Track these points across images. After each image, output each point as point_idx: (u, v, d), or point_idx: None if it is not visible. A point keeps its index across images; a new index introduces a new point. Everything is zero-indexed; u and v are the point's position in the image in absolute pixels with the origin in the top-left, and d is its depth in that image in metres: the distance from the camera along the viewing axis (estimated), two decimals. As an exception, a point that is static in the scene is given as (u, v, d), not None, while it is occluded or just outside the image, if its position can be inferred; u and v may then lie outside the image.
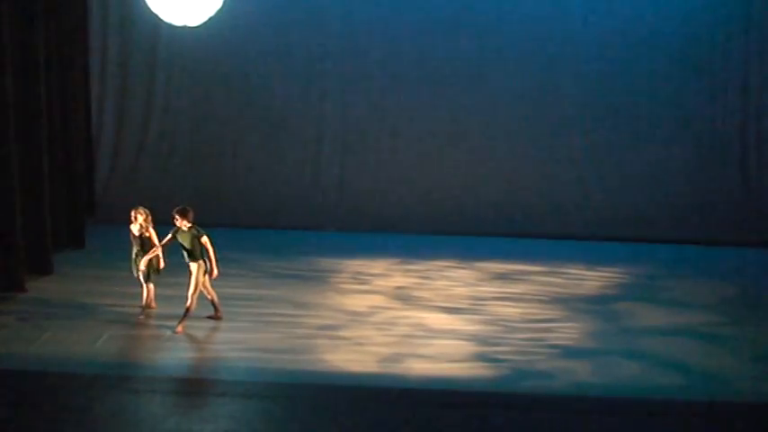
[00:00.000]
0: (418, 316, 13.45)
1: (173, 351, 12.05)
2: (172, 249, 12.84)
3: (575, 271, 15.91)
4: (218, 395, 10.64)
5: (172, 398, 10.71)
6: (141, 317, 12.86)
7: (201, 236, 12.39)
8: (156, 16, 12.59)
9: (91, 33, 18.28)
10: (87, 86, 17.65)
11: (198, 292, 12.43)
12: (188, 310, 12.38)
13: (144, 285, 12.89)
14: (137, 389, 10.73)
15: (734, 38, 18.83)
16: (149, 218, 12.85)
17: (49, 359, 11.44)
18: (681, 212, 18.64)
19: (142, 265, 12.78)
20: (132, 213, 12.85)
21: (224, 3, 12.56)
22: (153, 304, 13.06)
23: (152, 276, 12.92)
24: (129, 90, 19.28)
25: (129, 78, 19.25)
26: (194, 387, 11.04)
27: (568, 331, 12.95)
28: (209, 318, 12.87)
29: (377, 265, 16.02)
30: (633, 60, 18.90)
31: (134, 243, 12.90)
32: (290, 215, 18.63)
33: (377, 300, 14.19)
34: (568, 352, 12.15)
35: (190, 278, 12.41)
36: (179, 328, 12.36)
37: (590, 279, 15.50)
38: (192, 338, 12.42)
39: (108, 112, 19.21)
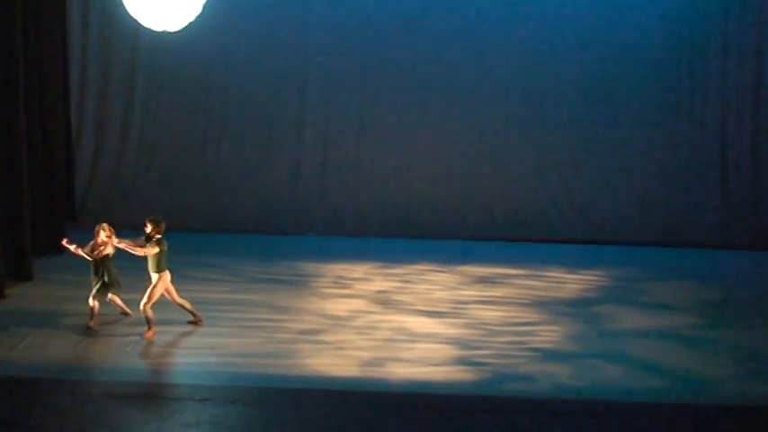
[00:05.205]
0: (399, 320, 13.46)
1: (154, 357, 12.04)
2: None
3: (555, 274, 15.94)
4: (200, 400, 10.62)
5: (153, 403, 10.68)
6: (91, 323, 12.74)
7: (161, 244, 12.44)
8: (136, 21, 12.56)
9: (70, 39, 18.19)
10: (67, 92, 17.57)
11: (152, 303, 12.42)
12: (147, 319, 12.43)
13: (95, 303, 12.77)
14: (117, 395, 10.71)
15: (712, 46, 18.89)
16: (113, 236, 12.77)
17: (29, 365, 11.41)
18: (661, 215, 18.69)
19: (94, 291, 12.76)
20: (96, 229, 12.82)
21: (203, 8, 12.55)
22: (128, 311, 13.05)
23: (113, 289, 12.86)
24: (109, 95, 19.20)
25: (109, 83, 19.16)
26: (175, 392, 11.02)
27: (549, 334, 12.98)
28: (190, 323, 12.86)
29: (358, 270, 16.02)
30: (614, 65, 18.90)
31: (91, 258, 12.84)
32: (271, 220, 18.58)
33: (358, 304, 14.18)
34: (549, 355, 12.19)
35: (147, 288, 12.44)
36: (149, 334, 12.40)
37: (571, 282, 15.53)
38: (173, 344, 12.41)
39: (88, 117, 19.11)
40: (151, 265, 12.45)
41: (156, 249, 12.38)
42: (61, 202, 16.79)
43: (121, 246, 12.56)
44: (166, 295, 12.63)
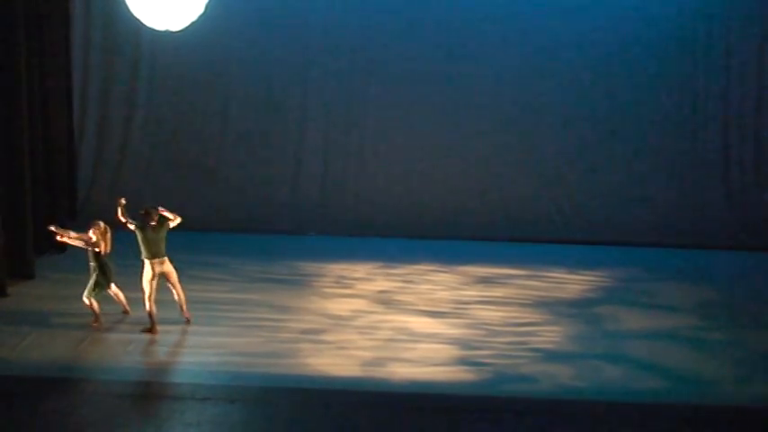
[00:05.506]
0: (401, 320, 13.46)
1: (155, 355, 12.04)
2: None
3: (557, 275, 15.93)
4: (201, 400, 10.62)
5: (153, 403, 10.69)
6: (95, 324, 12.76)
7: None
8: (139, 21, 12.56)
9: (73, 38, 18.20)
10: (69, 92, 17.58)
11: (148, 293, 12.45)
12: (150, 315, 12.48)
13: (92, 301, 12.77)
14: (118, 394, 10.71)
15: (715, 45, 18.91)
16: (108, 234, 12.77)
17: (30, 364, 11.41)
18: (662, 216, 18.69)
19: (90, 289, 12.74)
20: (91, 228, 12.80)
21: (206, 8, 12.55)
22: (128, 309, 13.05)
23: (108, 286, 12.87)
24: (111, 95, 19.21)
25: (112, 83, 19.18)
26: (176, 392, 11.02)
27: (551, 335, 12.98)
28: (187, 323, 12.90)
29: (359, 269, 16.02)
30: (614, 66, 18.92)
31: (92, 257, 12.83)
32: (273, 219, 18.60)
33: (359, 304, 14.18)
34: (551, 355, 12.19)
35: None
36: (152, 331, 12.44)
37: (572, 282, 15.53)
38: (174, 343, 12.42)
39: (90, 117, 19.13)
40: (143, 251, 12.55)
41: (125, 222, 12.53)
42: (63, 201, 16.81)
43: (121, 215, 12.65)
44: (169, 285, 12.66)
